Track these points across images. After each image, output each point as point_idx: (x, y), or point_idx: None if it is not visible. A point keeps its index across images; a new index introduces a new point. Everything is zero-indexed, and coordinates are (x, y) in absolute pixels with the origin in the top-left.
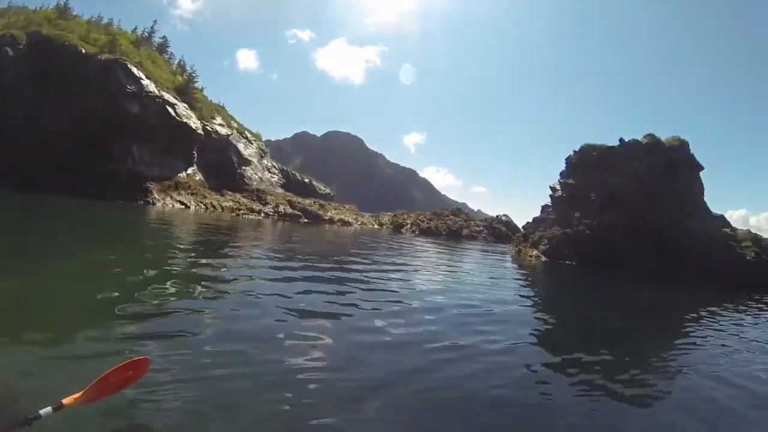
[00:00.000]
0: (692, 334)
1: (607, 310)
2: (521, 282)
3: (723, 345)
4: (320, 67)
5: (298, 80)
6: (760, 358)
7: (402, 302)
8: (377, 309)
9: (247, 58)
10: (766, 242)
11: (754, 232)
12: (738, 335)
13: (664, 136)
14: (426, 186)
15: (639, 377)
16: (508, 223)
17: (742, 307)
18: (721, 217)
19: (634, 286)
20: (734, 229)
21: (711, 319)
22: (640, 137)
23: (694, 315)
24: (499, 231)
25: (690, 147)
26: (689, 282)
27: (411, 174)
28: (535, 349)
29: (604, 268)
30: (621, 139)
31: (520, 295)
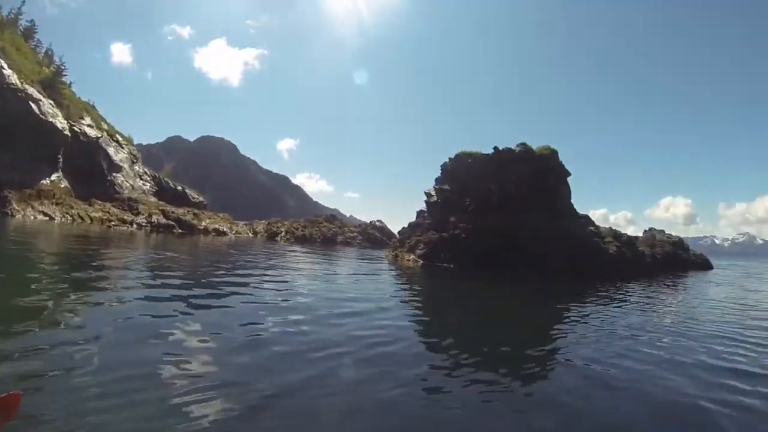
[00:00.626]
0: (566, 322)
1: (481, 309)
2: (400, 286)
3: (592, 328)
4: (198, 66)
5: (173, 80)
6: (619, 342)
7: (283, 313)
8: (257, 323)
9: (121, 52)
10: (625, 237)
11: (615, 228)
12: (603, 321)
13: (535, 145)
14: (298, 192)
15: (512, 368)
16: (383, 229)
17: (606, 296)
18: (586, 217)
19: (509, 284)
20: (597, 227)
21: (580, 309)
22: (513, 146)
23: (567, 307)
24: (373, 236)
25: (559, 155)
26: (562, 277)
27: (284, 180)
28: (418, 350)
29: (481, 270)
30: (495, 148)
31: (401, 301)
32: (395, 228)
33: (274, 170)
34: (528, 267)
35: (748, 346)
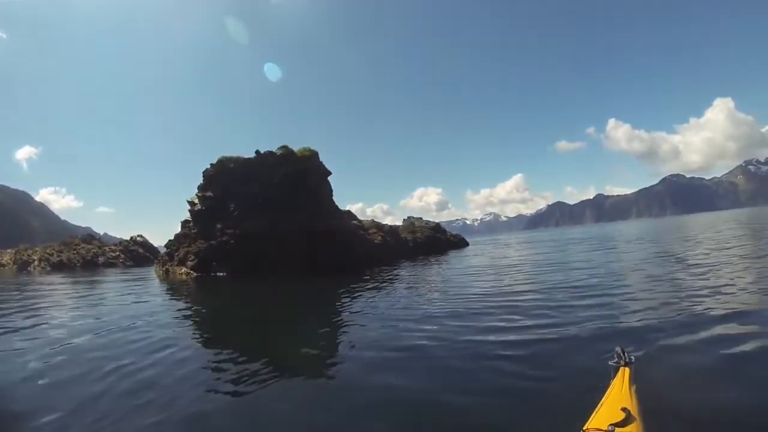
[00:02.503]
0: (346, 313)
1: (258, 314)
2: (175, 302)
3: (371, 313)
4: None
5: None
6: (390, 322)
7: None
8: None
9: None
10: (387, 227)
11: (375, 220)
12: (374, 301)
13: (296, 147)
14: (42, 211)
15: (300, 357)
16: (145, 244)
17: (378, 282)
18: (349, 212)
19: (284, 285)
20: (360, 221)
21: (357, 297)
22: (275, 149)
23: (343, 298)
24: (137, 253)
25: (319, 156)
26: (334, 271)
27: (24, 198)
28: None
29: (255, 274)
30: (257, 151)
31: (183, 316)
32: (160, 242)
33: (12, 186)
34: (300, 266)
35: (498, 300)
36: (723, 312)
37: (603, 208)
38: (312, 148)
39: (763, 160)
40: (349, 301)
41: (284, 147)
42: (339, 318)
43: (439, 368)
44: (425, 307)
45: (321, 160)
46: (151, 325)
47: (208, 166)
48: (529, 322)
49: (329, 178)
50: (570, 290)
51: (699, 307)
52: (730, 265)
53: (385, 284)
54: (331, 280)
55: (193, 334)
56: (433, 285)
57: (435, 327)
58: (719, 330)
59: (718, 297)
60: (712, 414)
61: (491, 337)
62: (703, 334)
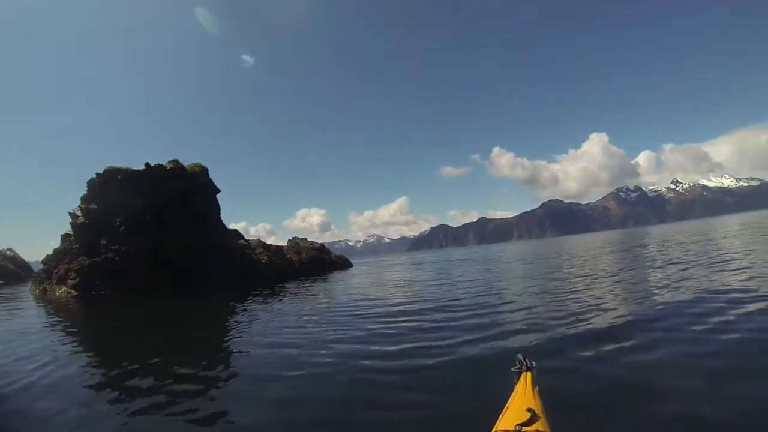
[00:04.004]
0: (231, 332)
1: (146, 333)
2: (50, 325)
3: (259, 329)
4: None
5: None
6: (284, 331)
7: None
8: None
9: None
10: (273, 247)
11: (261, 240)
12: (265, 316)
13: (186, 161)
14: None
15: (200, 374)
16: (15, 259)
17: (261, 302)
18: (236, 231)
19: (173, 303)
20: (247, 240)
21: (244, 315)
22: (165, 162)
23: (233, 316)
24: (7, 269)
25: (209, 172)
26: (222, 289)
27: None
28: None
29: (142, 294)
30: (147, 164)
31: (59, 339)
32: (34, 257)
33: None
34: (188, 285)
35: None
36: (601, 320)
37: (486, 231)
38: (201, 164)
39: (632, 188)
40: (235, 322)
41: (174, 161)
42: (226, 341)
43: (324, 393)
44: (311, 329)
45: (210, 177)
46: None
47: (94, 176)
48: (412, 345)
49: (218, 196)
50: (455, 308)
51: (581, 317)
52: (605, 278)
53: (271, 305)
54: (218, 300)
55: (69, 358)
56: (317, 306)
57: (323, 351)
58: (600, 335)
59: (595, 306)
60: (601, 404)
61: (385, 363)
62: (587, 341)
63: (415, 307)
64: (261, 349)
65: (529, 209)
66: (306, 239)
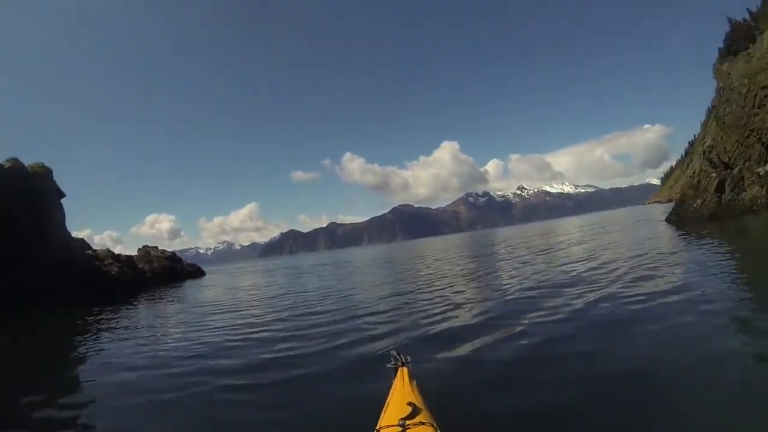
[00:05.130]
0: (77, 352)
1: None
2: None
3: (112, 347)
4: None
5: None
6: (135, 351)
7: None
8: None
9: None
10: (123, 257)
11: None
12: (112, 334)
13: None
14: None
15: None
16: None
17: (111, 318)
18: (82, 240)
19: (11, 321)
20: (95, 250)
21: (93, 334)
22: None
23: (81, 336)
24: None
25: (53, 174)
26: (71, 304)
27: None
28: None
29: None
30: None
31: None
32: None
33: None
34: (29, 299)
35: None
36: (463, 316)
37: (336, 236)
38: (45, 164)
39: (481, 193)
40: (82, 341)
41: (14, 159)
42: (64, 366)
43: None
44: (165, 347)
45: (55, 180)
46: None
47: None
48: (276, 355)
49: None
50: (314, 314)
51: (442, 315)
52: (460, 277)
53: (120, 321)
54: (64, 316)
55: None
56: (172, 320)
57: (176, 370)
58: (463, 330)
59: (455, 304)
60: (477, 392)
61: (247, 380)
62: (453, 336)
63: (273, 316)
64: (107, 375)
65: (379, 214)
66: (156, 247)
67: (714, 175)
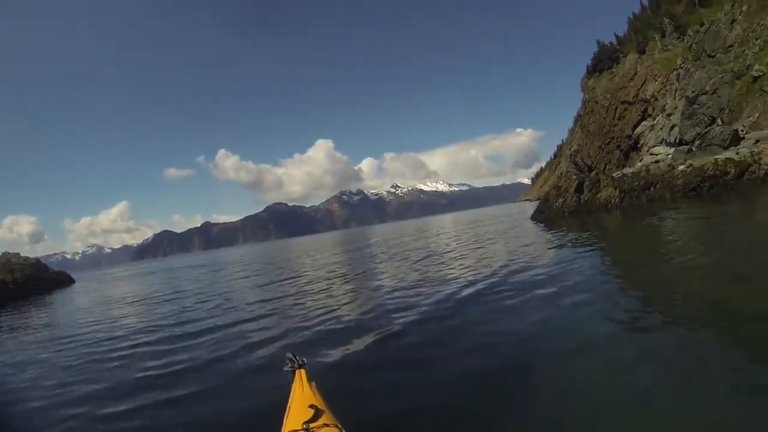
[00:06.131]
0: None
1: None
2: None
3: None
4: None
5: None
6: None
7: None
8: None
9: None
10: None
11: None
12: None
13: None
14: None
15: None
16: None
17: None
18: None
19: None
20: None
21: None
22: None
23: None
24: None
25: None
26: None
27: None
28: None
29: None
30: None
31: None
32: None
33: None
34: None
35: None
36: (350, 313)
37: (211, 236)
38: None
39: (355, 192)
40: None
41: None
42: None
43: None
44: (29, 373)
45: None
46: None
47: None
48: (161, 372)
49: None
50: (197, 321)
51: (329, 314)
52: (340, 276)
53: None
54: None
55: None
56: (39, 336)
57: (43, 403)
58: (352, 328)
59: (340, 302)
60: (375, 389)
61: (122, 406)
62: (345, 334)
63: (152, 326)
64: None
65: (253, 213)
66: (18, 254)
67: (575, 177)
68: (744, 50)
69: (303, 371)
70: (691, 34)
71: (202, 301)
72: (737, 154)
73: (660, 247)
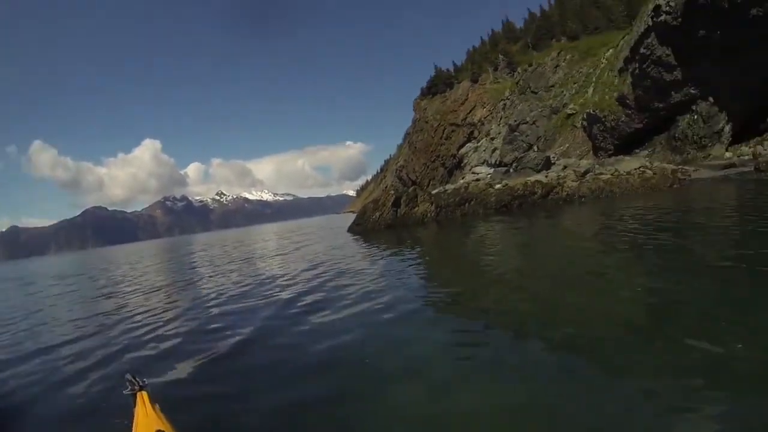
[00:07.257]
0: None
1: None
2: None
3: None
4: None
5: None
6: None
7: None
8: None
9: None
10: None
11: None
12: None
13: None
14: None
15: None
16: None
17: None
18: None
19: None
20: None
21: None
22: None
23: None
24: None
25: None
26: None
27: None
28: None
29: None
30: None
31: None
32: None
33: None
34: None
35: None
36: (178, 332)
37: (18, 243)
38: None
39: (179, 197)
40: None
41: None
42: None
43: None
44: None
45: None
46: None
47: None
48: None
49: None
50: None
51: (159, 331)
52: (164, 287)
53: None
54: None
55: None
56: None
57: None
58: (181, 345)
59: (172, 316)
60: (224, 404)
61: None
62: (176, 351)
63: None
64: None
65: (69, 217)
66: None
67: (392, 192)
68: (563, 91)
69: (145, 393)
70: (520, 71)
71: (8, 322)
72: (546, 177)
73: (461, 254)
